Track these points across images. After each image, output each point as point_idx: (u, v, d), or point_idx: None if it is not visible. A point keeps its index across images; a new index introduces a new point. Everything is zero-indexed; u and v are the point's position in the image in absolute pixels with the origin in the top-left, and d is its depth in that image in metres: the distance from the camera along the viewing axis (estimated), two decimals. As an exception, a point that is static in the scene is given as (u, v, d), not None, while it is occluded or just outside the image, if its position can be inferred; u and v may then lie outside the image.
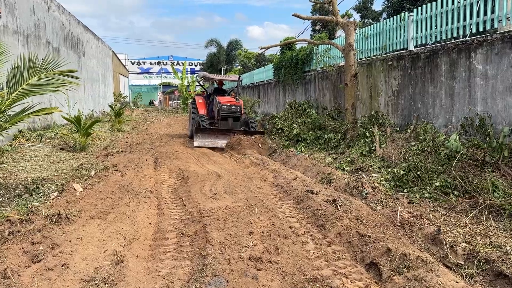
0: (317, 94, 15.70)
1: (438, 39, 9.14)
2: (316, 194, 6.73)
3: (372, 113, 10.21)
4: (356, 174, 8.44)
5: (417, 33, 9.85)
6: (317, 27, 28.54)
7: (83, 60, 23.75)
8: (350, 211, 5.96)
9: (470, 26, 8.19)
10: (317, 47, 15.55)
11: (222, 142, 12.85)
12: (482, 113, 7.60)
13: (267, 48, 11.90)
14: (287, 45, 18.63)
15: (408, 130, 8.79)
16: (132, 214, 5.91)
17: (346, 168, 8.91)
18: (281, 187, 7.52)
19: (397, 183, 7.38)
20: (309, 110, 14.23)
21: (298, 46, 19.75)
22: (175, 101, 48.46)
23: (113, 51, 35.56)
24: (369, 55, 12.07)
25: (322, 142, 11.63)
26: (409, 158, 7.87)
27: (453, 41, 8.53)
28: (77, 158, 11.32)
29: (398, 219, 5.80)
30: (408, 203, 6.59)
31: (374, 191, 7.01)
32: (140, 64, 61.29)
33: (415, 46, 10.00)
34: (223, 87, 16.95)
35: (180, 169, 9.12)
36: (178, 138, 15.55)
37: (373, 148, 9.10)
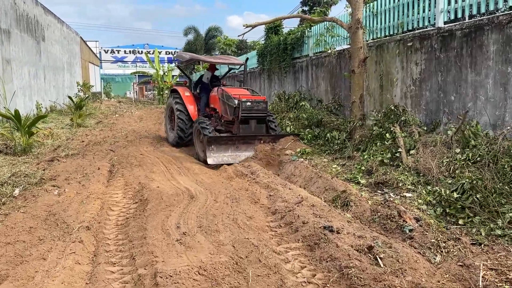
0: (310, 84, 13.36)
1: (483, 10, 6.87)
2: (338, 233, 4.42)
3: (391, 107, 7.94)
4: (380, 191, 6.15)
5: (449, 4, 7.57)
6: (307, 8, 25.94)
7: (42, 46, 20.78)
8: (400, 269, 3.67)
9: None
10: (310, 29, 13.18)
11: (245, 155, 8.72)
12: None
13: (253, 26, 9.49)
14: (275, 29, 16.22)
15: (449, 132, 6.52)
16: (46, 276, 3.54)
17: (362, 181, 6.62)
18: (281, 216, 5.17)
19: (446, 210, 5.13)
20: (303, 103, 11.85)
21: (286, 30, 17.35)
22: (150, 92, 45.44)
23: (81, 37, 32.42)
24: (378, 36, 9.76)
25: (322, 143, 9.30)
26: (458, 172, 5.62)
27: (509, 11, 6.29)
28: (14, 165, 8.77)
29: (481, 286, 3.55)
30: (472, 244, 4.37)
31: (419, 224, 4.73)
32: (114, 53, 57.53)
33: (446, 22, 7.73)
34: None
35: (140, 184, 6.67)
36: (147, 136, 13.00)
37: (397, 154, 6.83)
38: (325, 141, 9.27)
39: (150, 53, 38.98)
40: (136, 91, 48.21)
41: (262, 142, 8.86)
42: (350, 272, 3.63)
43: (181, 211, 5.26)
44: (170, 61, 50.61)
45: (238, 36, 9.62)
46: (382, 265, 3.76)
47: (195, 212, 5.19)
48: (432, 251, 4.17)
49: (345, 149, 8.46)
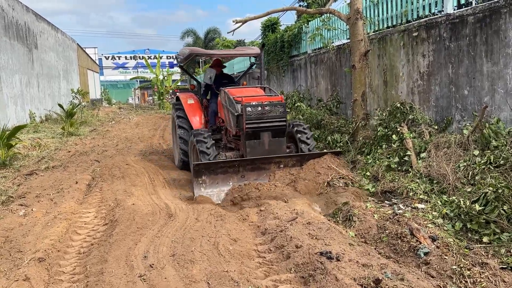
0: (309, 83, 12.55)
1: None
2: (338, 260, 3.60)
3: (397, 104, 7.10)
4: (387, 202, 5.32)
5: (459, -13, 6.74)
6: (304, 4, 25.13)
7: (35, 53, 20.15)
8: (416, 312, 2.86)
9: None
10: (307, 24, 12.38)
11: None
12: None
13: (244, 22, 8.69)
14: (272, 26, 15.45)
15: (465, 131, 5.68)
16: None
17: (371, 189, 5.80)
18: (271, 237, 4.36)
19: (467, 225, 4.29)
20: (298, 104, 11.00)
21: (283, 27, 16.59)
22: (151, 97, 44.79)
23: (78, 44, 31.85)
24: (380, 28, 8.94)
25: (323, 146, 8.48)
26: (478, 179, 4.78)
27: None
28: (-10, 180, 8.05)
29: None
30: (502, 269, 3.54)
31: (436, 245, 3.91)
32: (115, 59, 56.86)
33: (455, 7, 6.90)
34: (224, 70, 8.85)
35: (116, 201, 5.89)
36: (138, 143, 12.25)
37: (406, 158, 6.00)
38: (326, 144, 8.44)
39: (151, 58, 38.39)
40: (138, 97, 47.59)
41: (282, 166, 6.10)
42: (352, 317, 2.83)
43: (154, 234, 4.47)
44: (171, 65, 49.96)
45: (228, 32, 8.80)
46: (393, 306, 2.95)
47: (170, 236, 4.40)
48: (454, 281, 3.35)
49: (347, 152, 7.63)
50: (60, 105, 16.92)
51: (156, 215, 5.13)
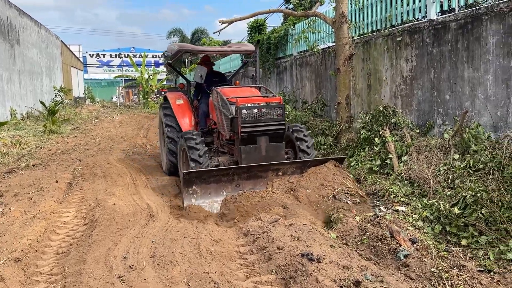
0: (295, 85, 12.59)
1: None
2: (319, 261, 3.60)
3: (380, 108, 7.17)
4: (370, 204, 5.36)
5: (442, -7, 6.85)
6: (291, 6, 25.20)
7: (17, 49, 19.78)
8: (394, 314, 2.88)
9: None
10: (294, 27, 12.42)
11: None
12: None
13: (230, 22, 8.68)
14: (258, 28, 15.46)
15: (446, 135, 5.76)
16: None
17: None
18: (253, 239, 4.34)
19: (446, 228, 4.35)
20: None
21: (269, 29, 16.61)
22: (136, 96, 44.37)
23: (62, 41, 31.37)
24: (365, 32, 9.01)
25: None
26: (458, 182, 4.86)
27: (510, -2, 5.55)
28: (-34, 178, 7.86)
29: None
30: (480, 271, 3.59)
31: (415, 247, 3.95)
32: (100, 57, 56.16)
33: (438, 13, 7.00)
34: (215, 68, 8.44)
35: (97, 200, 5.82)
36: (121, 143, 12.13)
37: (388, 161, 6.06)
38: (309, 146, 8.46)
39: (136, 57, 38.01)
40: (123, 95, 47.10)
41: (281, 174, 5.54)
42: (332, 319, 2.83)
43: (135, 235, 4.42)
44: (157, 64, 49.61)
45: (214, 32, 8.86)
46: (371, 308, 2.97)
47: (151, 237, 4.35)
48: (432, 284, 3.38)
49: (331, 155, 7.67)
50: (42, 103, 16.66)
51: (137, 216, 5.07)
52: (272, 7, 8.86)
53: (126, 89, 48.40)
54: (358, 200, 5.15)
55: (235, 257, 4.00)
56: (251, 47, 7.69)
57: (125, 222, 4.81)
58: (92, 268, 3.62)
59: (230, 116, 5.69)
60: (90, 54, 55.54)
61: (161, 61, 56.30)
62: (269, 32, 14.29)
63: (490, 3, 5.90)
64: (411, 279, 3.51)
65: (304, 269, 3.48)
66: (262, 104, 5.73)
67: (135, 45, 64.80)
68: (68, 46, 35.47)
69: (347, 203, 5.05)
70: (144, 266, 3.65)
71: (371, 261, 3.84)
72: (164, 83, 42.91)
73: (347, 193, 5.16)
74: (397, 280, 3.32)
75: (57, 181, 7.05)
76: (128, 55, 49.55)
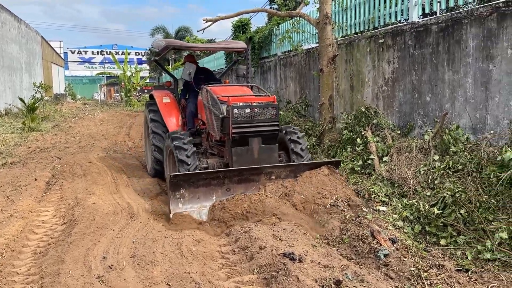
0: (278, 85, 12.61)
1: (461, 2, 6.25)
2: (300, 261, 3.61)
3: (362, 109, 7.24)
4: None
5: (424, -4, 6.95)
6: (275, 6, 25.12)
7: (-6, 44, 19.34)
8: (375, 314, 2.90)
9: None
10: (278, 27, 12.45)
11: None
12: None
13: (214, 21, 8.64)
14: (243, 27, 15.44)
15: (426, 136, 5.85)
16: None
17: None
18: (235, 238, 4.33)
19: (426, 228, 4.42)
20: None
21: (254, 28, 16.61)
22: (118, 94, 43.82)
23: (42, 36, 30.78)
24: (348, 33, 9.08)
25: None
26: (437, 183, 4.93)
27: (489, 3, 5.66)
28: None
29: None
30: (458, 271, 3.66)
31: (395, 247, 3.99)
32: (81, 54, 55.28)
33: (420, 16, 7.10)
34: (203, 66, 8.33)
35: (76, 199, 5.72)
36: (102, 141, 11.96)
37: (369, 161, 6.12)
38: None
39: (118, 54, 37.56)
40: (104, 93, 46.48)
41: (274, 177, 5.22)
42: (312, 318, 2.84)
43: (115, 234, 4.36)
44: (140, 62, 49.11)
45: (198, 31, 8.73)
46: (352, 307, 2.99)
47: (131, 236, 4.30)
48: (412, 283, 3.42)
49: (314, 155, 7.71)
50: (21, 99, 16.33)
51: (117, 215, 5.00)
52: (257, 7, 8.85)
53: (108, 86, 47.75)
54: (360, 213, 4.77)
55: (217, 257, 3.99)
56: (242, 44, 7.49)
57: (105, 221, 4.74)
58: (71, 268, 3.55)
59: (221, 116, 5.39)
60: (71, 51, 54.63)
61: (144, 58, 55.75)
62: (253, 31, 14.28)
63: (471, 7, 6.00)
64: (391, 278, 3.55)
65: (285, 269, 3.48)
66: (255, 104, 5.42)
67: (118, 42, 63.85)
68: (48, 42, 34.82)
69: (343, 211, 4.80)
70: (124, 266, 3.60)
71: (352, 260, 3.87)
72: (147, 81, 42.51)
73: (346, 203, 4.91)
74: (377, 280, 3.35)
75: (36, 180, 6.92)
76: (110, 52, 48.96)
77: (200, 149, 6.38)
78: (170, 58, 40.62)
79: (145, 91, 44.91)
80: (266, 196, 4.95)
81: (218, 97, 5.58)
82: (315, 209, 4.91)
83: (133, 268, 3.59)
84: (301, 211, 4.91)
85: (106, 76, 45.14)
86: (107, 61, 53.05)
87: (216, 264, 3.82)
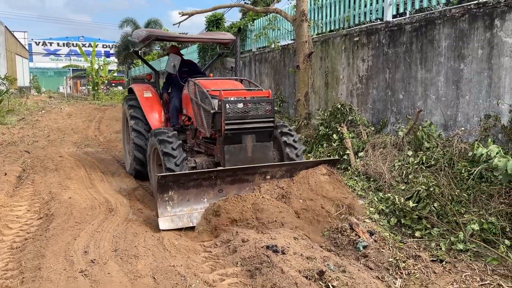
0: (253, 81, 12.63)
1: (434, 3, 6.48)
2: (283, 253, 3.70)
3: (338, 105, 7.39)
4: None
5: (398, -3, 7.15)
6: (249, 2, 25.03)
7: (-46, 33, 18.48)
8: (357, 302, 3.01)
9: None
10: (253, 22, 12.48)
11: None
12: (516, 109, 5.05)
13: (190, 14, 8.60)
14: (216, 22, 15.39)
15: (400, 132, 6.05)
16: None
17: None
18: (217, 232, 4.36)
19: (401, 221, 4.59)
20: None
21: (228, 23, 16.59)
22: (85, 87, 42.78)
23: (6, 26, 29.65)
24: (323, 31, 9.23)
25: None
26: (411, 177, 5.12)
27: (461, 5, 5.89)
28: None
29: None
30: (433, 261, 3.83)
31: (373, 239, 4.13)
32: (46, 45, 53.53)
33: (394, 16, 7.30)
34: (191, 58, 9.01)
35: (51, 194, 5.60)
36: (72, 135, 11.69)
37: (345, 157, 6.27)
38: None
39: (85, 46, 36.62)
40: (70, 86, 45.24)
41: (269, 177, 4.88)
42: (298, 308, 2.92)
43: (94, 229, 4.31)
44: (107, 54, 48.04)
45: (173, 24, 8.56)
46: (336, 296, 3.09)
47: (111, 231, 4.26)
48: (390, 273, 3.56)
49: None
50: (-17, 92, 15.70)
51: (95, 210, 4.94)
52: (234, 2, 8.85)
53: (74, 79, 46.54)
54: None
55: (200, 251, 4.02)
56: (230, 36, 7.15)
57: (83, 216, 4.68)
58: (52, 262, 3.50)
59: (212, 112, 5.01)
60: (36, 42, 52.83)
61: (111, 51, 54.55)
62: (228, 26, 14.25)
63: (444, 8, 6.22)
64: (371, 269, 3.67)
65: (269, 261, 3.55)
66: (249, 98, 5.08)
67: (84, 34, 62.20)
68: (12, 32, 33.57)
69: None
70: (107, 260, 3.58)
71: (332, 252, 3.98)
72: (115, 74, 41.65)
73: (349, 212, 4.61)
74: (358, 270, 3.47)
75: (5, 174, 6.72)
76: (77, 44, 47.65)
77: (185, 147, 5.94)
78: (139, 51, 39.89)
79: (113, 84, 44.12)
80: (262, 197, 4.53)
81: (208, 91, 5.21)
82: (314, 218, 4.56)
83: (116, 262, 3.58)
84: (302, 219, 4.53)
85: (72, 69, 43.90)
86: (73, 53, 51.63)
87: (199, 258, 3.84)
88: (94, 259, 3.58)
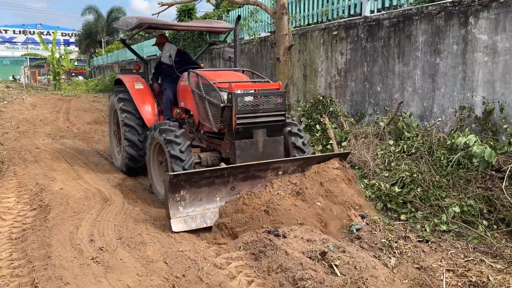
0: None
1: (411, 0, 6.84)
2: (284, 237, 3.92)
3: (320, 97, 7.65)
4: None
5: (376, -8, 7.47)
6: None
7: None
8: (360, 278, 3.28)
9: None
10: (228, 14, 12.56)
11: None
12: (489, 101, 5.46)
13: (170, 5, 8.58)
14: (188, 12, 15.33)
15: (381, 123, 6.38)
16: None
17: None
18: (215, 219, 4.52)
19: (387, 205, 4.91)
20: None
21: (199, 14, 16.56)
22: (44, 77, 41.30)
23: (-42, 11, 28.11)
24: (302, 24, 9.46)
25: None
26: (394, 165, 5.46)
27: (438, 2, 6.26)
28: None
29: (446, 293, 3.29)
30: (419, 241, 4.16)
31: (365, 222, 4.42)
32: (1, 33, 51.25)
33: (372, 11, 7.62)
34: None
35: (39, 186, 5.57)
36: (43, 126, 11.42)
37: (329, 146, 6.55)
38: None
39: (43, 34, 35.29)
40: (28, 76, 43.50)
41: (281, 173, 4.66)
42: (306, 285, 3.15)
43: (94, 218, 4.37)
44: (67, 43, 46.47)
45: (153, 14, 8.47)
46: (339, 274, 3.34)
47: (111, 220, 4.34)
48: (384, 252, 3.86)
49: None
50: None
51: (90, 200, 4.98)
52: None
53: (33, 68, 44.78)
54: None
55: (203, 237, 4.16)
56: (227, 24, 6.87)
57: (80, 206, 4.72)
58: (60, 251, 3.56)
59: (221, 105, 4.74)
60: (-12, 29, 50.42)
61: (71, 39, 52.78)
62: (201, 17, 14.25)
63: (421, 5, 6.59)
64: (365, 249, 3.95)
65: (272, 244, 3.76)
66: (260, 91, 4.84)
67: (41, 22, 59.75)
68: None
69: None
70: (116, 247, 3.68)
71: (330, 235, 4.23)
72: (76, 63, 40.46)
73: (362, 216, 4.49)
74: (357, 250, 3.74)
75: (-16, 166, 6.58)
76: (34, 32, 45.79)
77: None
78: (102, 40, 38.96)
79: (73, 74, 42.78)
80: (277, 193, 4.32)
81: (214, 82, 4.94)
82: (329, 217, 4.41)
83: (124, 249, 3.68)
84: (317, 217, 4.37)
85: (30, 58, 42.20)
86: (30, 41, 49.56)
87: (203, 243, 4.00)
88: (102, 247, 3.66)
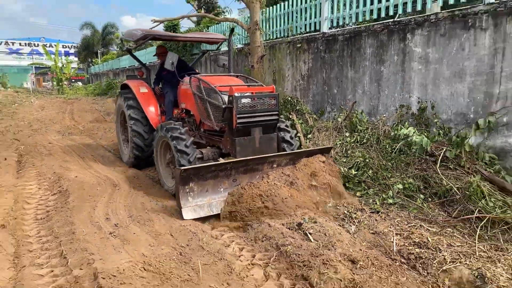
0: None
1: (360, 19, 6.99)
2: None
3: (288, 98, 7.74)
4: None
5: (332, 13, 7.57)
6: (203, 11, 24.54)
7: None
8: (330, 243, 3.40)
9: (405, 4, 6.16)
10: (208, 29, 12.45)
11: None
12: (423, 100, 5.69)
13: (161, 22, 8.46)
14: (173, 27, 15.04)
15: (339, 119, 6.53)
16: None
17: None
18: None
19: (346, 185, 5.06)
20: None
21: (183, 29, 16.29)
22: (48, 83, 39.67)
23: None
24: (271, 37, 9.50)
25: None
26: (350, 152, 5.62)
27: (382, 21, 6.43)
28: None
29: (395, 251, 3.46)
30: (372, 213, 4.33)
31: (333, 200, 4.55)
32: (9, 45, 48.58)
33: (330, 28, 7.74)
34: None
35: (56, 174, 5.41)
36: (52, 125, 11.03)
37: (297, 139, 6.65)
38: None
39: (46, 46, 33.81)
40: (33, 82, 41.68)
41: (275, 166, 4.57)
42: (287, 249, 3.25)
43: (107, 200, 4.32)
44: (67, 53, 44.77)
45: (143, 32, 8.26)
46: (313, 240, 3.45)
47: (122, 201, 4.30)
48: (346, 222, 4.00)
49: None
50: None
51: (102, 186, 4.89)
52: (195, 11, 8.82)
53: (38, 76, 42.95)
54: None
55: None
56: (221, 36, 6.87)
57: (94, 191, 4.64)
58: (83, 227, 3.52)
59: (223, 106, 4.61)
60: (-1, 42, 47.78)
61: (71, 50, 50.83)
62: (185, 31, 14.02)
63: (368, 23, 6.75)
64: (331, 220, 4.09)
65: (257, 218, 3.83)
66: (257, 94, 4.75)
67: (44, 35, 57.19)
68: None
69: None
70: (128, 224, 3.66)
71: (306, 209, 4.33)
72: (77, 72, 39.06)
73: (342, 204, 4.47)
74: (326, 221, 3.86)
75: (5, 159, 6.32)
76: (38, 44, 43.85)
77: None
78: (98, 51, 37.71)
79: (73, 80, 41.35)
80: (274, 183, 4.23)
81: (215, 86, 4.81)
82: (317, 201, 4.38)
83: (135, 225, 3.66)
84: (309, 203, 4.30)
85: (35, 67, 40.43)
86: (35, 52, 47.39)
87: (200, 219, 4.02)
88: (117, 224, 3.64)
